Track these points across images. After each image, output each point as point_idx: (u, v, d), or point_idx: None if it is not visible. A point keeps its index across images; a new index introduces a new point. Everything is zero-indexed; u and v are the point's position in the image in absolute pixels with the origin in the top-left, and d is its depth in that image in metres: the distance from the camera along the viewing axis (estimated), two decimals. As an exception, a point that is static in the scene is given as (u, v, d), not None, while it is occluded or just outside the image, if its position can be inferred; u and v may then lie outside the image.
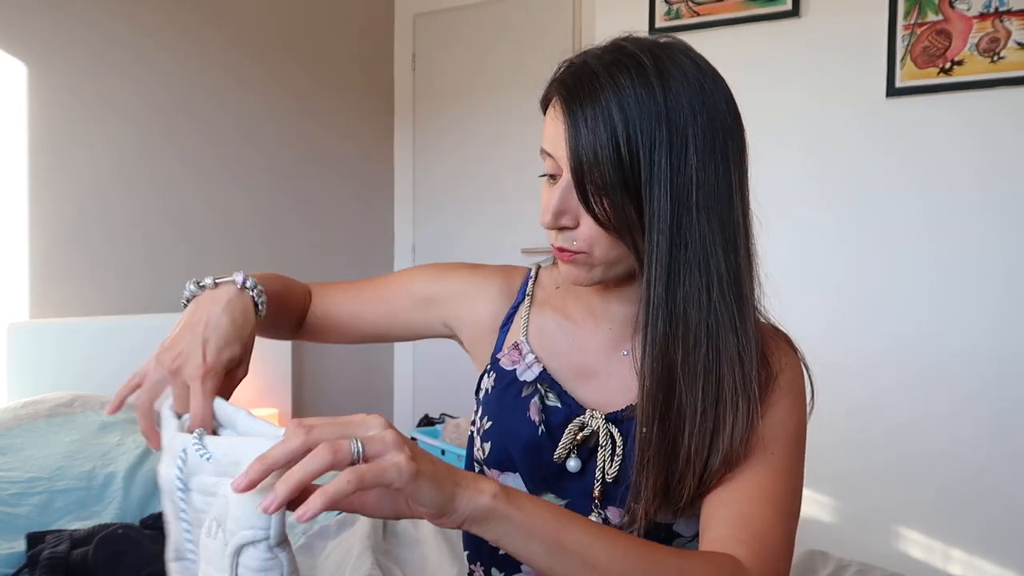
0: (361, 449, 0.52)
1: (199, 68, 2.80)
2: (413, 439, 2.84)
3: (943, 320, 2.21)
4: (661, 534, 0.78)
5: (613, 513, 0.79)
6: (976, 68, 2.12)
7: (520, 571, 0.85)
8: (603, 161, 0.68)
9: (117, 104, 2.54)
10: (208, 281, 0.74)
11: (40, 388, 2.20)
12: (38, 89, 2.33)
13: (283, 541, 0.55)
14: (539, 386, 0.83)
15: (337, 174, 3.41)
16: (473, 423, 0.89)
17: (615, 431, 0.79)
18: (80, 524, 1.75)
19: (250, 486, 0.51)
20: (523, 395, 0.83)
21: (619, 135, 0.68)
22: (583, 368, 0.84)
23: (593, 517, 0.79)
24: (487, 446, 0.84)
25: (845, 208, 2.33)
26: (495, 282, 0.91)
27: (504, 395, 0.84)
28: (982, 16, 2.11)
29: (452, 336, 0.94)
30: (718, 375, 0.72)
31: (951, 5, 2.15)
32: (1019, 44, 2.07)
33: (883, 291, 2.29)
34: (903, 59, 2.21)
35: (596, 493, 0.79)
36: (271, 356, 2.82)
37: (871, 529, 2.29)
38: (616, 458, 0.78)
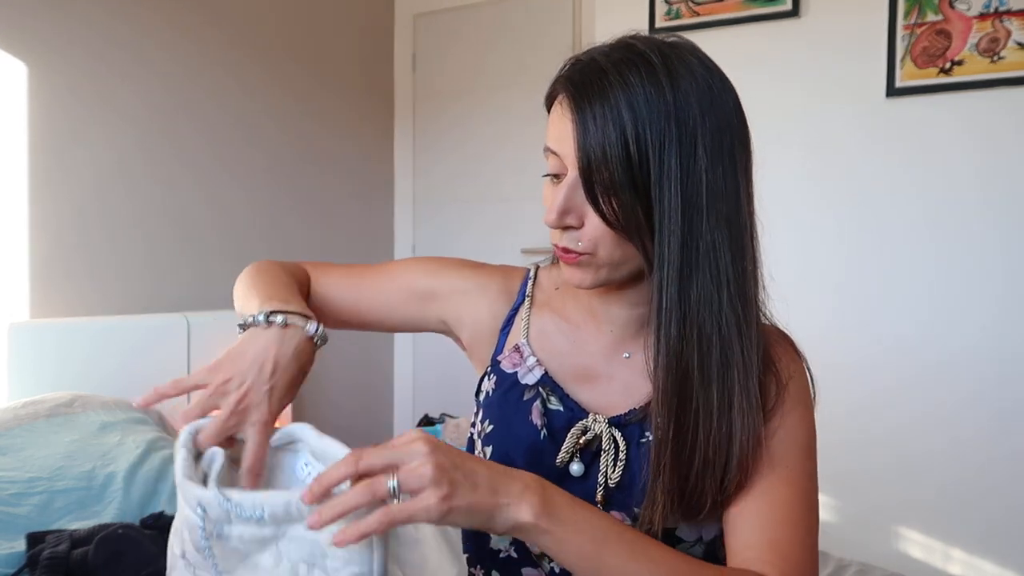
0: (397, 486, 0.57)
1: (199, 68, 2.80)
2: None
3: (943, 320, 2.21)
4: (665, 538, 0.77)
5: (617, 518, 0.78)
6: (976, 68, 2.12)
7: (521, 574, 0.84)
8: (612, 160, 0.67)
9: (117, 104, 2.54)
10: (279, 319, 0.72)
11: (40, 388, 2.19)
12: (38, 89, 2.33)
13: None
14: (541, 389, 0.83)
15: (337, 174, 3.41)
16: (473, 424, 0.89)
17: (618, 435, 0.79)
18: (80, 524, 1.75)
19: (313, 500, 0.58)
20: (525, 398, 0.83)
21: (628, 133, 0.67)
22: (584, 371, 0.83)
23: None
24: (488, 450, 0.84)
25: (845, 208, 2.34)
26: (495, 282, 0.90)
27: (506, 398, 0.84)
28: (982, 16, 2.11)
29: (448, 333, 0.93)
30: (729, 378, 0.72)
31: (951, 5, 2.15)
32: (1019, 44, 2.07)
33: (883, 291, 2.29)
34: (903, 59, 2.21)
35: (599, 498, 0.78)
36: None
37: (871, 529, 2.29)
38: (620, 463, 0.78)
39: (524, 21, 3.32)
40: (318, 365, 0.77)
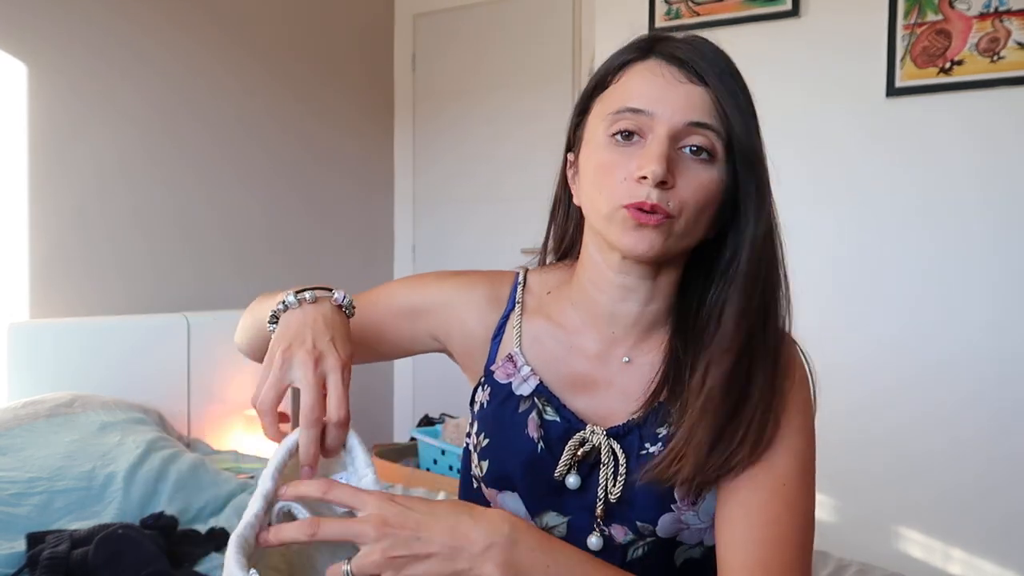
0: (350, 571, 0.60)
1: (199, 68, 2.80)
2: (413, 440, 2.84)
3: (942, 320, 2.21)
4: (666, 547, 0.77)
5: (617, 531, 0.77)
6: (976, 68, 2.12)
7: None
8: (738, 122, 0.72)
9: (117, 104, 2.54)
10: (307, 295, 0.74)
11: (40, 388, 2.19)
12: (38, 89, 2.33)
13: None
14: (536, 400, 0.80)
15: (337, 174, 3.41)
16: (468, 435, 0.87)
17: (617, 448, 0.76)
18: (80, 524, 1.75)
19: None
20: (520, 410, 0.80)
21: (747, 100, 0.74)
22: (580, 378, 0.81)
23: (595, 536, 0.77)
24: (485, 464, 0.82)
25: (845, 208, 2.33)
26: (481, 290, 0.87)
27: (501, 411, 0.82)
28: (982, 16, 2.11)
29: (442, 349, 0.90)
30: (774, 358, 0.75)
31: (951, 5, 2.15)
32: (1019, 44, 2.07)
33: (883, 291, 2.29)
34: (903, 59, 2.21)
35: (599, 512, 0.77)
36: (271, 356, 2.81)
37: (871, 529, 2.29)
38: (620, 476, 0.76)
39: (524, 21, 3.32)
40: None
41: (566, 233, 0.89)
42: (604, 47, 2.38)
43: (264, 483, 0.64)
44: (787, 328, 0.79)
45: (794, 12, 2.35)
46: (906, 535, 2.25)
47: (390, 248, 3.74)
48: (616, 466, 0.76)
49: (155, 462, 1.97)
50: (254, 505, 0.62)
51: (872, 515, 2.29)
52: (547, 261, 0.92)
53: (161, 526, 1.77)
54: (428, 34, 3.61)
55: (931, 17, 2.17)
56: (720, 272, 0.77)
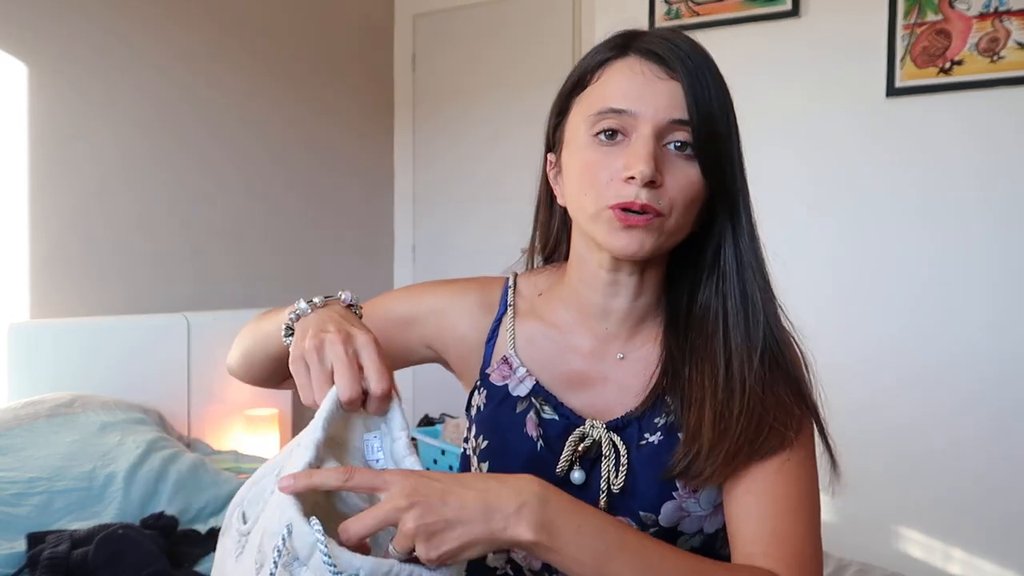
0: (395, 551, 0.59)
1: (199, 68, 2.80)
2: (413, 440, 2.84)
3: (942, 320, 2.21)
4: (667, 538, 0.77)
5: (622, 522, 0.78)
6: (976, 68, 2.12)
7: None
8: (716, 117, 0.73)
9: (117, 104, 2.54)
10: (317, 300, 0.74)
11: (40, 388, 2.20)
12: (38, 89, 2.33)
13: None
14: (533, 400, 0.81)
15: (337, 174, 3.41)
16: (466, 440, 0.87)
17: (617, 439, 0.78)
18: (80, 524, 1.75)
19: (291, 491, 0.59)
20: (518, 411, 0.81)
21: (722, 95, 0.74)
22: (576, 376, 0.82)
23: None
24: (485, 466, 0.82)
25: (844, 208, 2.33)
26: (472, 296, 0.88)
27: (498, 412, 0.82)
28: (982, 16, 2.11)
29: (436, 358, 0.91)
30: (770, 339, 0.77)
31: (951, 5, 2.15)
32: (1019, 44, 2.07)
33: (883, 291, 2.29)
34: (903, 59, 2.21)
35: (603, 504, 0.77)
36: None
37: (871, 529, 2.29)
38: (622, 468, 0.77)
39: (524, 21, 3.32)
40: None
41: (551, 233, 0.90)
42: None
43: (315, 432, 0.62)
44: (778, 314, 0.80)
45: (794, 12, 2.35)
46: (906, 535, 2.25)
47: (390, 248, 3.74)
48: (617, 458, 0.77)
49: (155, 462, 1.97)
50: (305, 454, 0.61)
51: (872, 515, 2.29)
52: (534, 262, 0.93)
53: (161, 526, 1.78)
54: (428, 34, 3.61)
55: (931, 17, 2.17)
56: (708, 265, 0.79)
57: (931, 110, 2.20)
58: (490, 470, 0.81)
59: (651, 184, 0.71)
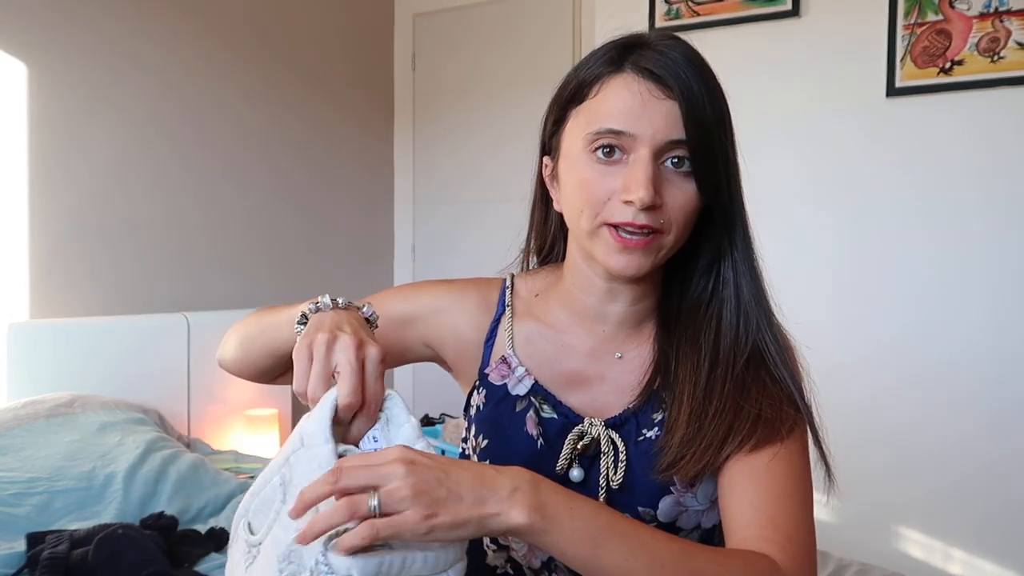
0: (378, 506, 0.57)
1: (198, 68, 2.80)
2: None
3: (942, 320, 2.21)
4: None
5: None
6: (976, 68, 2.12)
7: None
8: (714, 135, 0.73)
9: (117, 104, 2.54)
10: (341, 301, 0.75)
11: (40, 388, 2.19)
12: (38, 89, 2.33)
13: None
14: (532, 399, 0.82)
15: (336, 175, 3.41)
16: (465, 440, 0.87)
17: (615, 436, 0.78)
18: (80, 524, 1.75)
19: (296, 515, 0.59)
20: (517, 409, 0.82)
21: (717, 111, 0.73)
22: (574, 376, 0.83)
23: None
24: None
25: (844, 208, 2.33)
26: (471, 296, 0.88)
27: (498, 411, 0.83)
28: (982, 16, 2.11)
29: (434, 357, 0.91)
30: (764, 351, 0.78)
31: (951, 5, 2.15)
32: (1019, 44, 2.07)
33: (883, 291, 2.29)
34: (903, 59, 2.21)
35: (601, 501, 0.78)
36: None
37: (871, 529, 2.29)
38: (621, 464, 0.78)
39: (524, 21, 3.32)
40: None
41: (548, 235, 0.90)
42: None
43: (324, 445, 0.62)
44: (773, 312, 0.82)
45: (794, 12, 2.35)
46: (906, 534, 2.25)
47: (390, 249, 3.74)
48: (616, 454, 0.78)
49: (155, 462, 1.97)
50: (322, 469, 0.61)
51: (872, 515, 2.29)
52: (530, 263, 0.93)
53: (161, 526, 1.77)
54: (428, 34, 3.61)
55: (931, 17, 2.17)
56: (703, 268, 0.81)
57: (931, 110, 2.20)
58: None
59: (651, 208, 0.72)
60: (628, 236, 0.73)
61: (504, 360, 0.84)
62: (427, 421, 3.14)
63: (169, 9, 2.69)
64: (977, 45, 2.12)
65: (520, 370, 0.83)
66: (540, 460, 0.79)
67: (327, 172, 3.36)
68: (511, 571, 0.83)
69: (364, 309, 0.76)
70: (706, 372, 0.76)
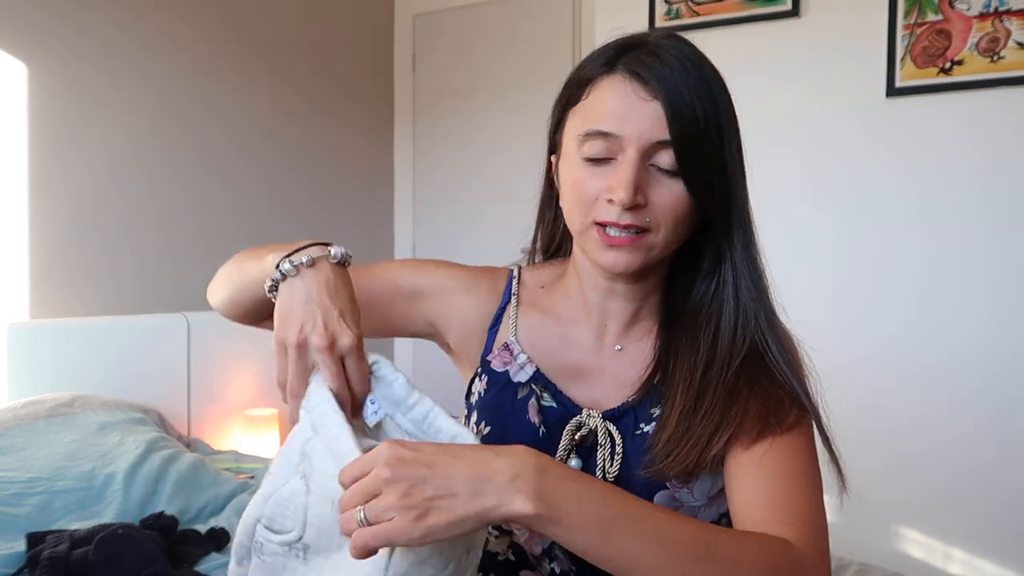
0: (364, 518, 0.55)
1: (199, 67, 2.80)
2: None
3: (942, 320, 2.21)
4: None
5: None
6: (976, 68, 2.12)
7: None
8: (701, 136, 0.72)
9: (118, 104, 2.54)
10: (304, 259, 0.70)
11: (40, 388, 2.19)
12: (38, 89, 2.33)
13: None
14: (534, 386, 0.83)
15: (337, 174, 3.41)
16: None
17: (613, 429, 0.79)
18: (80, 524, 1.75)
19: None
20: (519, 396, 0.83)
21: (708, 112, 0.72)
22: (574, 367, 0.84)
23: None
24: None
25: (844, 208, 2.33)
26: (482, 282, 0.89)
27: (500, 398, 0.83)
28: (982, 16, 2.11)
29: (433, 335, 0.91)
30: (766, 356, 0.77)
31: (951, 5, 2.15)
32: (1019, 44, 2.07)
33: (882, 290, 2.29)
34: (903, 59, 2.21)
35: None
36: (269, 355, 2.81)
37: (871, 529, 2.29)
38: (616, 457, 0.78)
39: (524, 21, 3.32)
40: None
41: (555, 233, 0.91)
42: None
43: (343, 430, 0.63)
44: (775, 312, 0.82)
45: (794, 12, 2.35)
46: (906, 535, 2.25)
47: (390, 249, 3.74)
48: (612, 447, 0.78)
49: (155, 462, 1.97)
50: (354, 452, 0.61)
51: (872, 514, 2.29)
52: (536, 261, 0.94)
53: (161, 526, 1.78)
54: (428, 34, 3.61)
55: (931, 17, 2.17)
56: (705, 269, 0.81)
57: (931, 110, 2.20)
58: None
59: (635, 207, 0.73)
60: (614, 234, 0.74)
61: (507, 347, 0.85)
62: (427, 421, 3.13)
63: (169, 10, 2.69)
64: (977, 45, 2.12)
65: (522, 357, 0.84)
66: (541, 448, 0.78)
67: (327, 172, 3.36)
68: (512, 557, 0.84)
69: (332, 253, 0.72)
70: (700, 372, 0.76)
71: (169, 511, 1.87)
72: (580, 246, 0.80)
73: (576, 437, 0.79)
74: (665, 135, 0.72)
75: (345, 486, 0.58)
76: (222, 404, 2.66)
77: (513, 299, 0.88)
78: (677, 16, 2.52)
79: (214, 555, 1.73)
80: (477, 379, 0.87)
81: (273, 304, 0.71)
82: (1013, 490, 2.12)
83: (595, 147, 0.74)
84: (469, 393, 0.88)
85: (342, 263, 0.72)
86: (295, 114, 3.18)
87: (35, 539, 1.65)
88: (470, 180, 3.50)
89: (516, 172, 3.30)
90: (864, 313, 2.31)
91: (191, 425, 2.58)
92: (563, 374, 0.84)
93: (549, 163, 0.86)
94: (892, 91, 2.23)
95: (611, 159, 0.74)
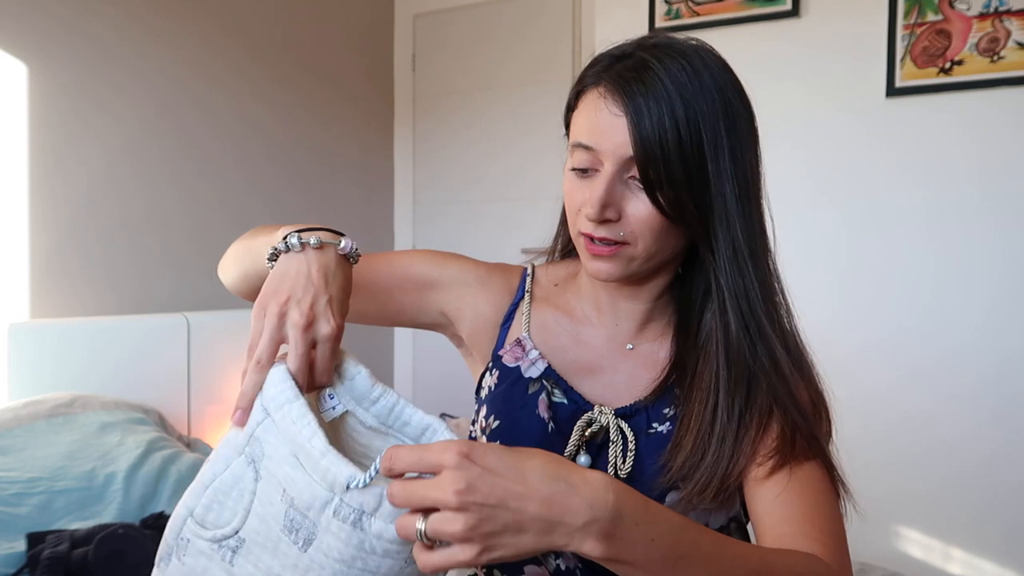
0: (424, 531, 0.52)
1: (199, 67, 2.80)
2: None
3: (943, 317, 2.21)
4: None
5: None
6: (976, 68, 2.12)
7: (523, 572, 0.84)
8: (669, 150, 0.70)
9: (118, 104, 2.54)
10: (312, 240, 0.68)
11: (40, 388, 2.19)
12: (38, 89, 2.33)
13: None
14: (545, 382, 0.83)
15: (337, 174, 3.42)
16: (474, 422, 0.88)
17: (625, 426, 0.79)
18: (80, 524, 1.75)
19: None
20: (530, 392, 0.83)
21: (681, 125, 0.70)
22: (586, 364, 0.84)
23: None
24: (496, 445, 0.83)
25: (845, 208, 2.34)
26: (497, 277, 0.90)
27: (511, 393, 0.84)
28: (982, 16, 2.11)
29: (445, 327, 0.91)
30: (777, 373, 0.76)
31: (951, 5, 2.15)
32: (1019, 44, 2.08)
33: (883, 289, 2.29)
34: (903, 59, 2.21)
35: None
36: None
37: (870, 527, 2.29)
38: (629, 454, 0.78)
39: (524, 21, 3.32)
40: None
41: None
42: (604, 47, 2.39)
43: (288, 399, 0.61)
44: (790, 318, 0.81)
45: (794, 12, 2.35)
46: (906, 534, 2.26)
47: (390, 248, 3.74)
48: (625, 444, 0.78)
49: (155, 462, 1.97)
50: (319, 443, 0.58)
51: (872, 514, 2.28)
52: (554, 259, 0.95)
53: (161, 526, 1.77)
54: (428, 34, 3.61)
55: (931, 17, 2.17)
56: (712, 282, 0.79)
57: (931, 110, 2.21)
58: None
59: (605, 221, 0.74)
60: (595, 244, 0.76)
61: (519, 343, 0.86)
62: (427, 421, 3.13)
63: (170, 11, 2.69)
64: (977, 45, 2.12)
65: (534, 353, 0.85)
66: (550, 444, 0.80)
67: (327, 172, 3.36)
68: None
69: (342, 245, 0.70)
70: (712, 391, 0.75)
71: (169, 511, 1.87)
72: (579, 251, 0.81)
73: (586, 433, 0.79)
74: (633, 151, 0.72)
75: (394, 468, 0.54)
76: (222, 404, 2.66)
77: (527, 296, 0.89)
78: (677, 16, 2.52)
79: (214, 555, 1.73)
80: (488, 373, 0.87)
81: None
82: (1013, 487, 2.12)
83: (580, 159, 0.75)
84: (479, 387, 0.89)
85: (348, 257, 0.71)
86: (295, 115, 3.18)
87: (35, 539, 1.65)
88: (470, 180, 3.51)
89: (516, 172, 3.30)
90: (863, 312, 2.31)
91: (191, 425, 2.58)
92: (574, 371, 0.84)
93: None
94: (892, 91, 2.23)
95: (596, 171, 0.75)
